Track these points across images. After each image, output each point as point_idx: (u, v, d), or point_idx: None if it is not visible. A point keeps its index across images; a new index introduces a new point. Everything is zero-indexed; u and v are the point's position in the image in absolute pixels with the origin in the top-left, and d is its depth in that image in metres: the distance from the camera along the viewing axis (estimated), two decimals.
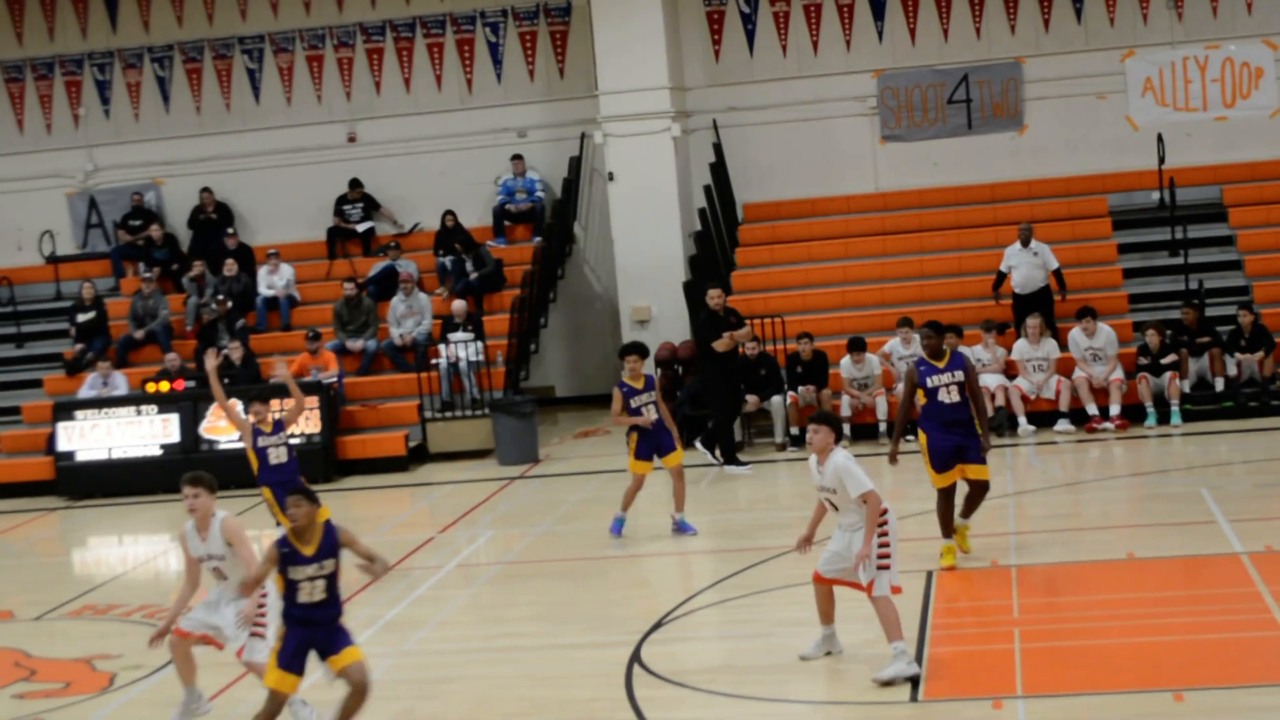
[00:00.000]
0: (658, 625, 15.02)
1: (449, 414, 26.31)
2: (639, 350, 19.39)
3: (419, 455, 25.91)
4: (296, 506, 11.74)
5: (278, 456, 18.61)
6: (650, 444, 18.77)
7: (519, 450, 25.14)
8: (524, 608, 16.65)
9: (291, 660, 11.69)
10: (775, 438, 24.69)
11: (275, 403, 20.20)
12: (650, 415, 18.72)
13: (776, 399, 24.49)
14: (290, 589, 11.67)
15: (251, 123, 30.98)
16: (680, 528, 18.83)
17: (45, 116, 31.73)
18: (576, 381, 30.16)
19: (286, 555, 11.67)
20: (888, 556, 12.91)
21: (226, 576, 12.86)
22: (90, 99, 31.58)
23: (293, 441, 19.27)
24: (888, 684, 12.45)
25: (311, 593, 11.63)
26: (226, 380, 26.04)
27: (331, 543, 11.73)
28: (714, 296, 23.49)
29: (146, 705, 14.28)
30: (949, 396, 15.94)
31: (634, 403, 18.73)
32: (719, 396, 23.62)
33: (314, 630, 11.75)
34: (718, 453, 23.34)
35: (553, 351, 29.74)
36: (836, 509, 13.14)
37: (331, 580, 11.74)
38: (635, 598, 16.65)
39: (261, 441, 18.57)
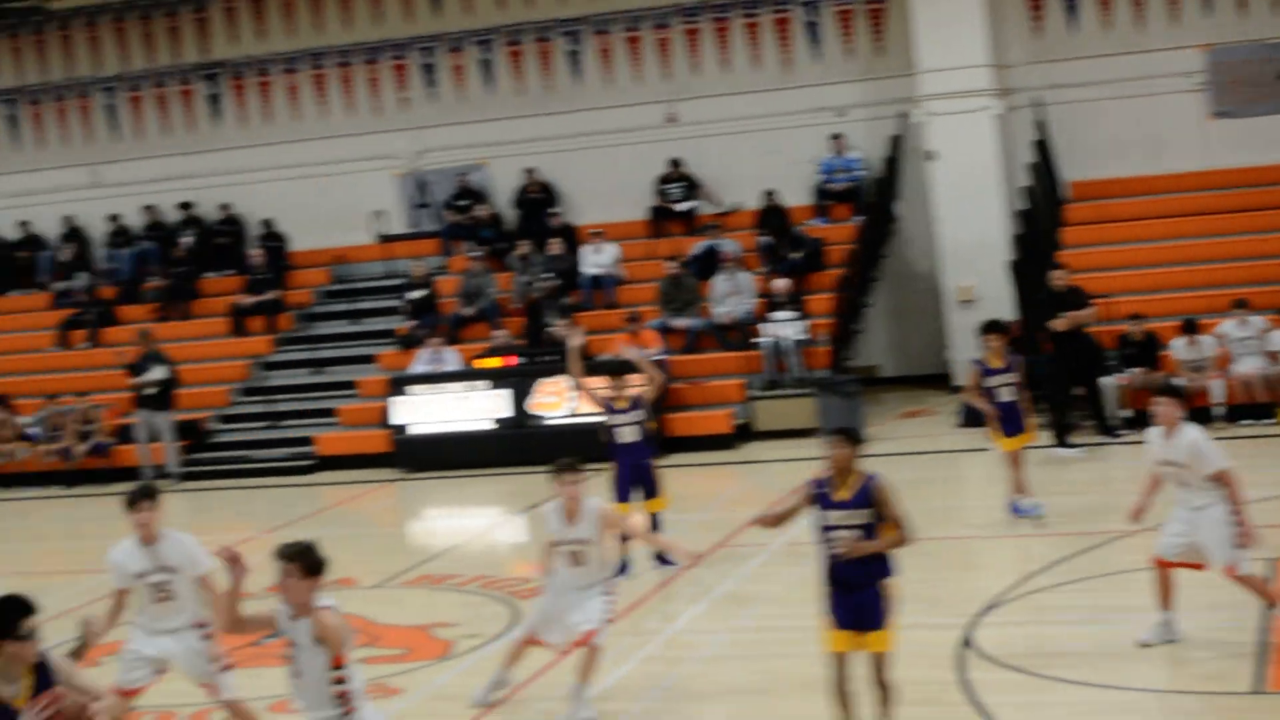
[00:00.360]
0: (990, 608, 14.99)
1: (773, 392, 26.44)
2: (999, 328, 19.03)
3: (744, 433, 26.09)
4: (837, 447, 11.04)
5: (625, 436, 18.11)
6: (1005, 423, 18.48)
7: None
8: None
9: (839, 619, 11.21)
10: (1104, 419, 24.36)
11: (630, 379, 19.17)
12: (1002, 397, 18.49)
13: (1107, 381, 24.18)
14: (819, 536, 11.14)
15: (574, 103, 31.37)
16: (1019, 511, 18.58)
17: (375, 98, 32.50)
18: (902, 361, 30.06)
19: (817, 497, 11.10)
20: (1245, 533, 12.61)
21: (581, 564, 12.96)
22: (417, 80, 32.25)
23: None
24: None
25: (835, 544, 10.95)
26: (554, 357, 26.68)
27: (867, 493, 10.95)
28: (1056, 276, 23.37)
29: (484, 673, 14.41)
30: None
31: (990, 383, 18.55)
32: (1056, 377, 23.43)
33: (845, 593, 11.15)
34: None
35: (877, 330, 29.63)
36: (1181, 485, 12.86)
37: (867, 535, 10.97)
38: (966, 579, 16.61)
39: (613, 419, 18.16)
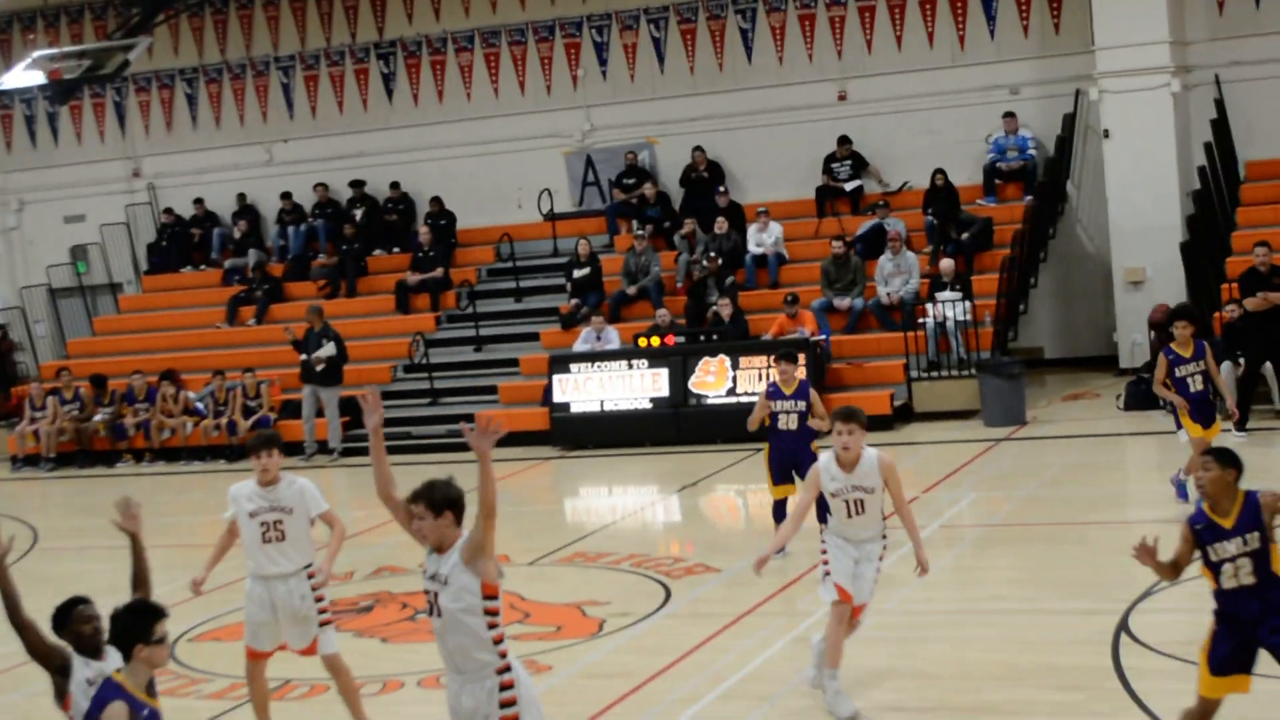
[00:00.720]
0: (1147, 594, 14.66)
1: (935, 374, 26.26)
2: (1188, 315, 18.29)
3: (904, 414, 25.89)
4: (1206, 469, 10.03)
5: (787, 423, 17.38)
6: (1197, 413, 17.73)
7: (1005, 412, 24.84)
8: (1006, 571, 16.54)
9: (1225, 663, 10.09)
10: (1274, 404, 23.87)
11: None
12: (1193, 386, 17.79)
13: (1227, 365, 23.66)
14: (1213, 572, 9.98)
15: (743, 82, 31.29)
16: (1182, 489, 17.93)
17: (545, 78, 32.63)
18: (1066, 343, 29.69)
19: (1201, 532, 9.96)
20: None
21: (862, 513, 12.51)
22: (589, 60, 32.35)
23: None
24: None
25: (1237, 575, 9.85)
26: (715, 337, 26.61)
27: (1254, 513, 9.83)
28: (1258, 254, 22.96)
29: (634, 651, 14.60)
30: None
31: (1180, 372, 17.86)
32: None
33: (1248, 625, 9.95)
34: None
35: (1042, 312, 29.32)
36: None
37: (1261, 559, 9.79)
38: (1123, 564, 16.21)
39: (777, 404, 17.44)
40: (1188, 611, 14.46)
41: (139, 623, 8.80)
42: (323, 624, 12.29)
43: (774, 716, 12.66)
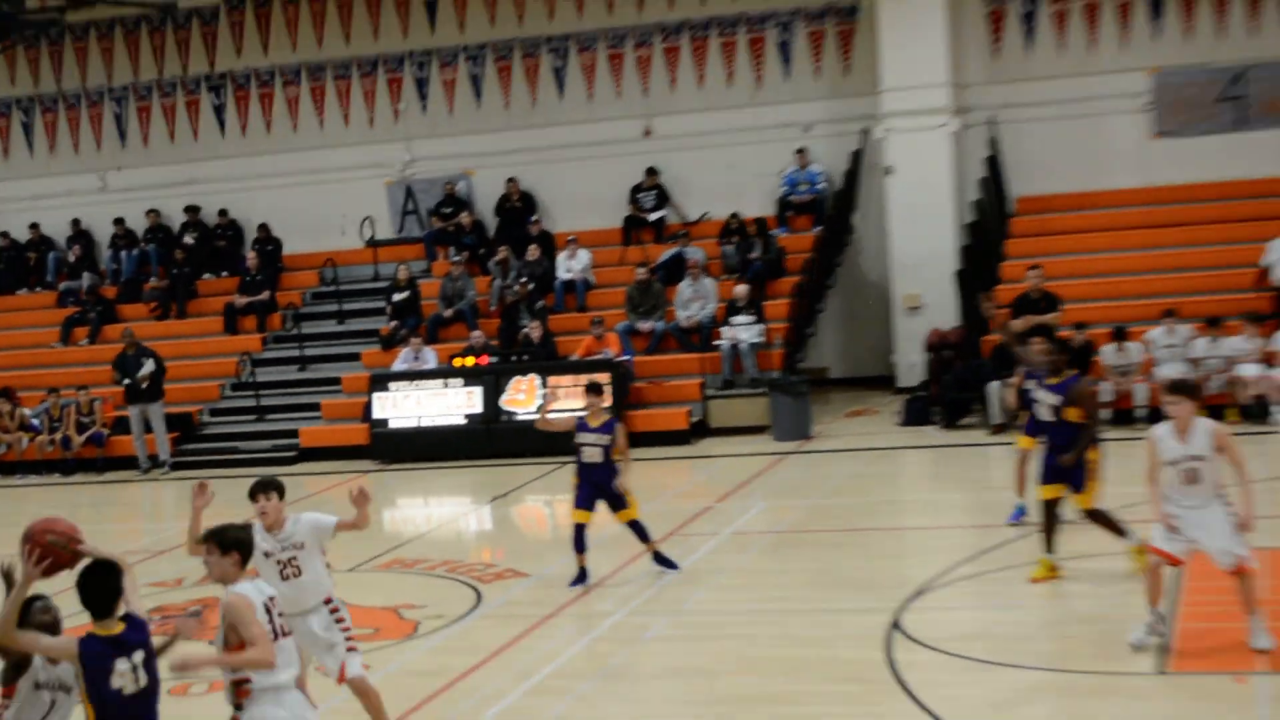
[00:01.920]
0: (918, 594, 15.06)
1: (729, 392, 26.48)
2: (1047, 333, 18.38)
3: (700, 429, 26.12)
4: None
5: (591, 455, 16.94)
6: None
7: (793, 427, 25.20)
8: (793, 574, 16.70)
9: None
10: (992, 418, 24.40)
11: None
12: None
13: (994, 384, 24.30)
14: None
15: (555, 117, 31.41)
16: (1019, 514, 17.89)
17: (368, 111, 32.56)
18: (849, 364, 30.11)
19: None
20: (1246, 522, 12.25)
21: (1196, 482, 12.31)
22: (409, 95, 32.31)
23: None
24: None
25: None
26: (524, 357, 26.77)
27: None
28: (1030, 276, 23.78)
29: (447, 651, 14.66)
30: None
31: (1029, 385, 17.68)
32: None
33: None
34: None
35: (828, 335, 29.69)
36: (1192, 482, 12.32)
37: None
38: (897, 567, 16.69)
39: (582, 436, 16.97)
40: (953, 610, 14.99)
41: (113, 579, 8.79)
42: (349, 650, 11.85)
43: (576, 708, 12.85)
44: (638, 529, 16.96)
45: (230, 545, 9.31)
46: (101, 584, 8.76)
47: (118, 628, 8.78)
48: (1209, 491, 12.57)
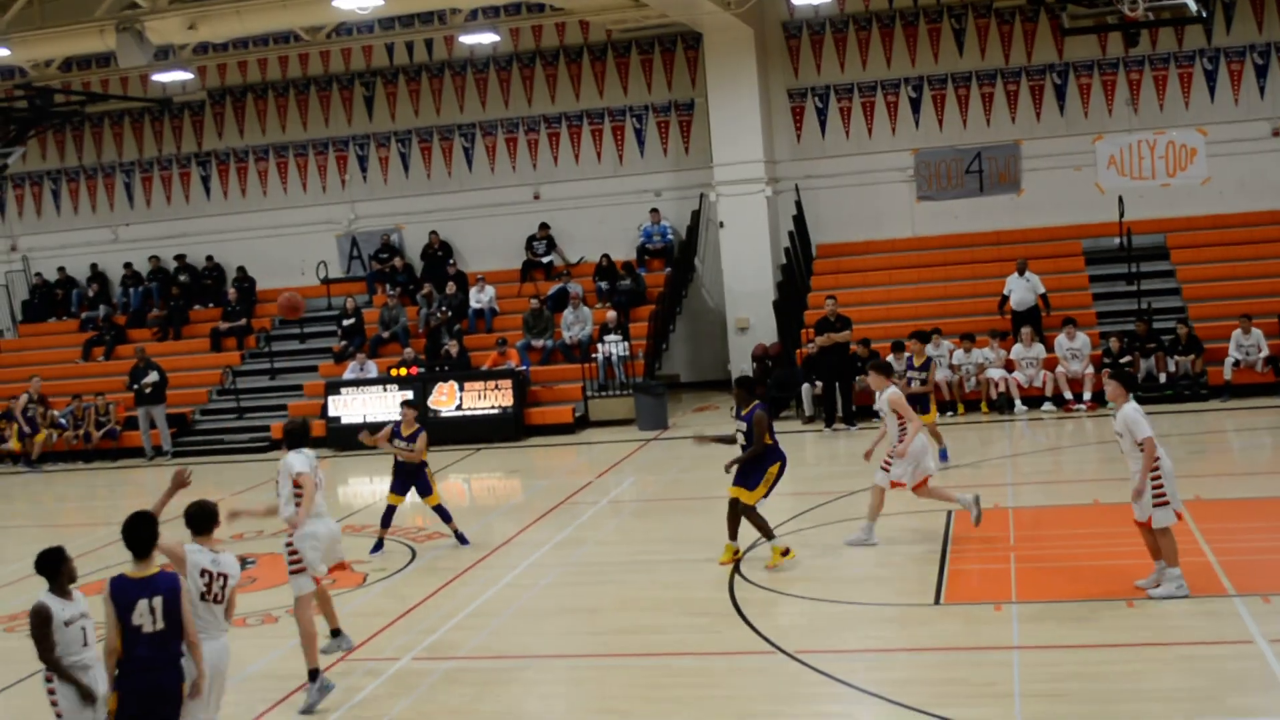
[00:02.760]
0: (753, 546, 14.95)
1: (604, 393, 26.30)
2: (923, 338, 19.86)
3: (582, 422, 25.91)
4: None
5: (403, 456, 16.53)
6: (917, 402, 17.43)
7: (654, 419, 25.08)
8: (657, 532, 16.66)
9: None
10: (805, 412, 24.49)
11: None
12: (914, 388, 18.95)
13: (805, 386, 24.37)
14: None
15: (466, 185, 31.07)
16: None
17: (321, 180, 32.06)
18: (695, 371, 29.99)
19: None
20: (1162, 491, 11.80)
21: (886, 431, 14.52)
22: (353, 167, 31.85)
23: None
24: (1162, 598, 11.82)
25: None
26: (446, 368, 26.42)
27: None
28: (828, 304, 23.82)
29: (390, 597, 14.51)
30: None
31: (909, 374, 19.57)
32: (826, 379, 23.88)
33: None
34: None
35: (679, 349, 29.60)
36: (1123, 453, 12.14)
37: None
38: (741, 525, 16.54)
39: (396, 442, 16.51)
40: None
41: (151, 527, 8.45)
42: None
43: (491, 639, 12.64)
44: (441, 512, 16.74)
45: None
46: (142, 530, 8.38)
47: (150, 571, 8.37)
48: (892, 438, 14.48)
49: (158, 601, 8.31)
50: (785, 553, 14.23)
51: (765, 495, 14.35)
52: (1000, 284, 25.53)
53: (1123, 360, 23.32)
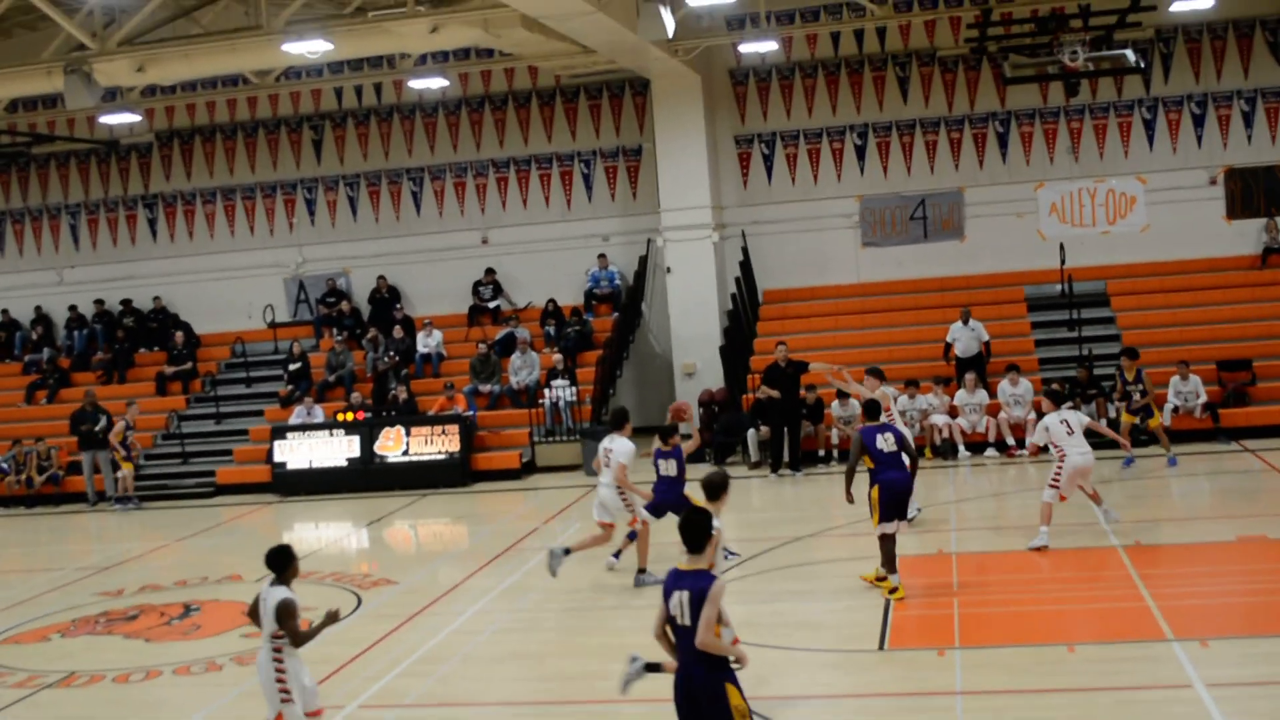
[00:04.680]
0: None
1: (551, 438, 26.31)
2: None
3: (529, 468, 25.88)
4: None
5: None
6: None
7: None
8: (603, 578, 16.59)
9: None
10: (751, 457, 24.60)
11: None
12: None
13: (751, 431, 24.48)
14: None
15: (414, 229, 31.08)
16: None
17: (269, 223, 31.98)
18: (643, 415, 29.58)
19: None
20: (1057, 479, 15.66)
21: None
22: (300, 211, 31.80)
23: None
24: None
25: None
26: (393, 413, 26.36)
27: None
28: (779, 350, 23.86)
29: (335, 644, 14.12)
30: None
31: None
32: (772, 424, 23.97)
33: None
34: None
35: (626, 393, 29.47)
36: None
37: None
38: (668, 559, 16.53)
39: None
40: (726, 603, 14.85)
41: (707, 521, 8.46)
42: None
43: (437, 687, 12.62)
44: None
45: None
46: (699, 526, 8.34)
47: (695, 565, 8.34)
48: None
49: (685, 597, 8.22)
50: (894, 590, 14.02)
51: (884, 518, 14.14)
52: (944, 330, 25.76)
53: (1064, 405, 23.51)
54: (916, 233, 28.62)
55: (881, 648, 12.53)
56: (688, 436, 17.75)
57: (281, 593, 9.85)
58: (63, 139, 31.85)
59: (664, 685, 11.48)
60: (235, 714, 12.05)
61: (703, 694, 8.15)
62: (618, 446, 15.92)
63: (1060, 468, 15.78)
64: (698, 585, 8.16)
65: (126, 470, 26.35)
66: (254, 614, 10.12)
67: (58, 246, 33.48)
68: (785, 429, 23.80)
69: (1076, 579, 12.37)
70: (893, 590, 14.02)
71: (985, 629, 12.89)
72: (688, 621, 8.13)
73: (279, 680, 9.79)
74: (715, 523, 8.91)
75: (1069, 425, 15.85)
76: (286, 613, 9.75)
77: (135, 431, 26.82)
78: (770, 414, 23.97)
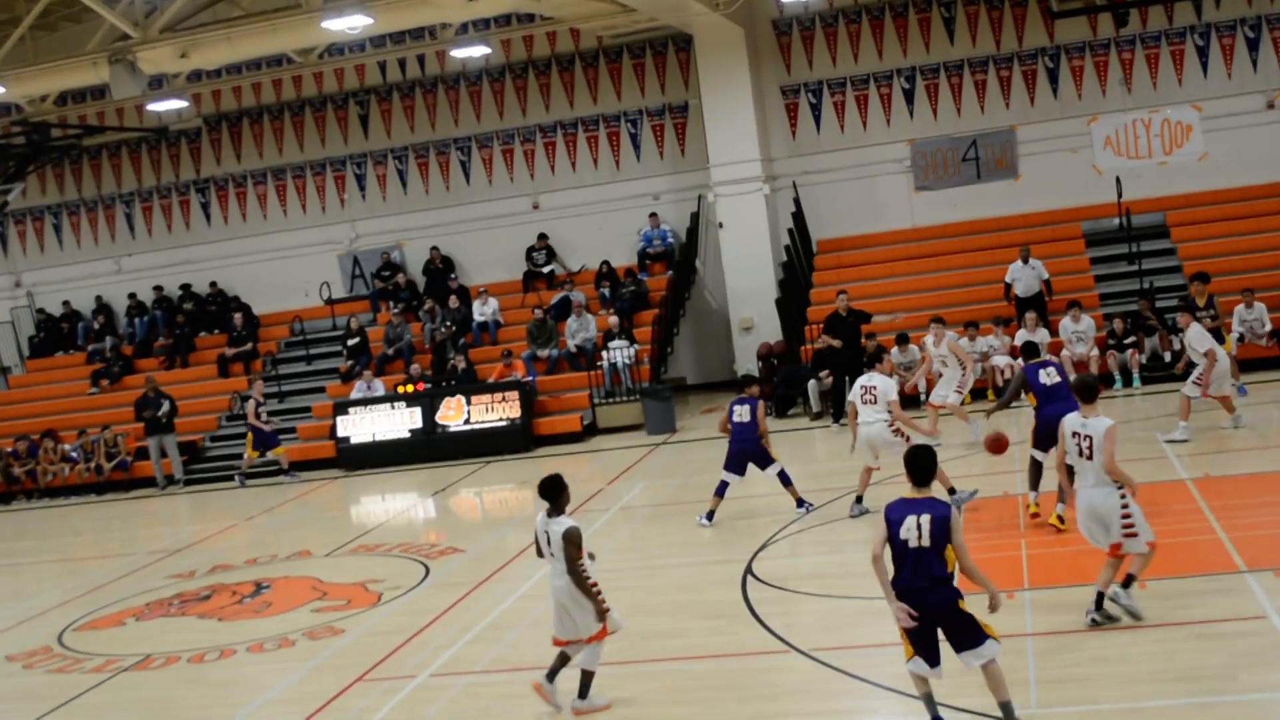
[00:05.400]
0: (763, 546, 14.99)
1: (610, 399, 26.34)
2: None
3: (590, 430, 25.96)
4: None
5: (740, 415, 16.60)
6: None
7: (661, 424, 25.12)
8: (669, 537, 16.66)
9: None
10: (813, 408, 24.53)
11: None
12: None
13: (812, 382, 24.34)
14: None
15: (464, 198, 31.17)
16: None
17: (320, 201, 32.16)
18: (701, 372, 30.05)
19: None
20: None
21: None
22: (352, 187, 31.96)
23: None
24: None
25: None
26: (452, 383, 26.48)
27: None
28: (840, 299, 23.86)
29: (405, 614, 14.49)
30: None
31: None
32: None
33: None
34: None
35: (684, 351, 29.66)
36: None
37: None
38: (748, 527, 16.57)
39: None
40: (792, 557, 14.90)
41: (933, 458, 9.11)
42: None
43: (507, 652, 12.67)
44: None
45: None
46: (925, 460, 8.94)
47: (922, 494, 8.86)
48: None
49: (924, 520, 8.74)
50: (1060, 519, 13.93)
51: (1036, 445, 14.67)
52: (1001, 270, 25.55)
53: (1127, 341, 23.30)
54: (970, 174, 28.33)
55: None
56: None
57: (565, 522, 10.45)
58: (113, 129, 32.11)
59: (749, 638, 11.43)
60: (309, 689, 12.15)
61: (941, 608, 8.75)
62: (880, 383, 15.60)
63: (1208, 369, 17.50)
64: (938, 511, 8.73)
65: (277, 454, 26.24)
66: (538, 548, 10.72)
67: (114, 235, 33.84)
68: (847, 378, 23.68)
69: (1146, 514, 12.19)
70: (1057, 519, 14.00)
71: (1053, 569, 12.79)
72: (925, 543, 8.66)
73: (593, 597, 10.48)
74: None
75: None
76: (571, 540, 10.37)
77: (265, 405, 26.99)
78: (832, 363, 23.86)
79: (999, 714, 9.00)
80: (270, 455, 26.04)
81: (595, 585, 10.55)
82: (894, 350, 24.03)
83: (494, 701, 11.34)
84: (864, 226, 28.85)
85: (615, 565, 15.50)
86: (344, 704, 11.57)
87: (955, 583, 8.83)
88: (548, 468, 23.46)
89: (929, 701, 9.12)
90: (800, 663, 11.11)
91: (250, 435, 26.07)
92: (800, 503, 16.54)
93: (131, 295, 33.00)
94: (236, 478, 26.12)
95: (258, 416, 26.04)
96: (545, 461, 24.34)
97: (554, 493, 10.56)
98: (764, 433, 16.54)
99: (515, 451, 25.16)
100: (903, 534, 8.71)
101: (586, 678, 10.56)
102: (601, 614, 10.52)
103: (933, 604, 8.73)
